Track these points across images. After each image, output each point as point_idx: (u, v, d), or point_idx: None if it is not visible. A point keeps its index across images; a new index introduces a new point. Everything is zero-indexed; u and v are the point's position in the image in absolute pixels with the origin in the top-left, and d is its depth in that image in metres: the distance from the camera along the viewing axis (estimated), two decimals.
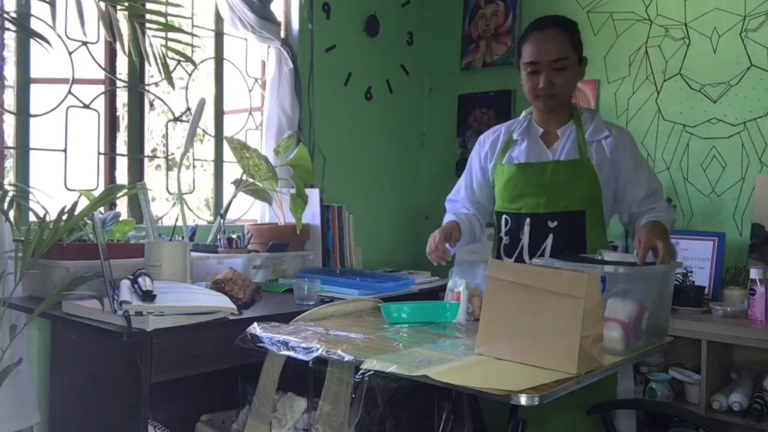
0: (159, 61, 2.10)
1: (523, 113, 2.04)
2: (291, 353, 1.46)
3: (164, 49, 2.12)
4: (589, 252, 1.85)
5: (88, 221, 1.87)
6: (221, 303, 1.78)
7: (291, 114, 2.79)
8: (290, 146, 2.60)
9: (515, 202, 1.95)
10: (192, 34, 2.44)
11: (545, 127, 1.97)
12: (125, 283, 1.68)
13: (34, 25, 2.12)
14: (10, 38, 2.15)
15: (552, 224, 1.89)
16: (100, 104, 2.38)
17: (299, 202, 2.42)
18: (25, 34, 2.05)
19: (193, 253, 2.22)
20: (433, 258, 1.90)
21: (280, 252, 2.50)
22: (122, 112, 2.55)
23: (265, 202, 2.60)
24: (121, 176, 2.48)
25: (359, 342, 1.49)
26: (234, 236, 2.33)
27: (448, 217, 2.10)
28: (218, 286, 1.98)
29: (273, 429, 1.79)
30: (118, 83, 2.45)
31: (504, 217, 1.98)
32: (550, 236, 1.88)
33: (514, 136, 2.00)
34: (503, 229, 1.98)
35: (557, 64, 1.84)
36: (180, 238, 2.15)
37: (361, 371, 1.32)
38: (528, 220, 1.92)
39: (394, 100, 3.44)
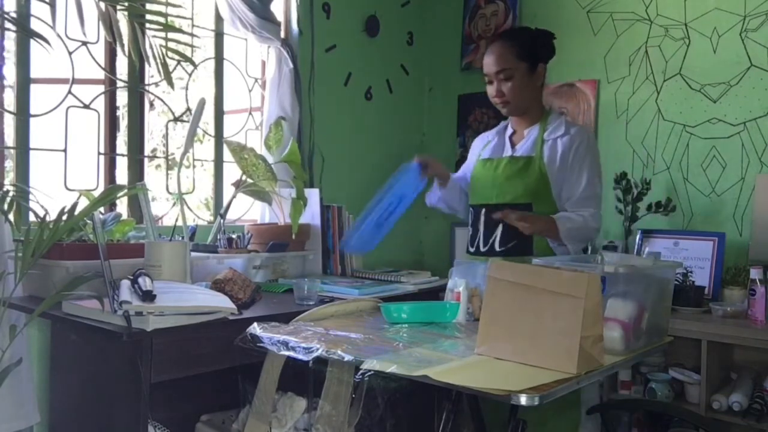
0: (159, 62, 2.10)
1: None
2: (291, 353, 1.46)
3: (164, 50, 2.12)
4: (537, 243, 2.03)
5: (88, 221, 1.87)
6: (221, 303, 1.78)
7: (291, 114, 2.79)
8: (280, 138, 2.58)
9: (475, 195, 2.20)
10: (192, 35, 2.44)
11: (516, 128, 2.20)
12: (125, 283, 1.68)
13: (34, 25, 2.12)
14: (10, 38, 2.14)
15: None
16: (100, 104, 2.38)
17: (298, 205, 2.41)
18: (25, 34, 2.05)
19: (193, 253, 2.22)
20: (421, 157, 2.15)
21: (280, 252, 2.50)
22: (122, 112, 2.55)
23: (264, 202, 2.60)
24: (121, 176, 2.48)
25: (359, 342, 1.49)
26: (234, 236, 2.33)
27: None
28: (218, 286, 1.98)
29: (273, 429, 1.78)
30: (118, 83, 2.46)
31: (471, 209, 2.20)
32: (500, 226, 2.05)
33: (489, 137, 2.25)
34: (470, 221, 2.19)
35: (501, 75, 2.06)
36: (180, 238, 2.15)
37: (361, 371, 1.32)
38: (483, 211, 2.12)
39: (394, 100, 3.44)
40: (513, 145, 2.17)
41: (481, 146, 2.29)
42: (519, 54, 2.05)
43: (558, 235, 1.99)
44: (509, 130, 2.21)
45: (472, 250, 2.17)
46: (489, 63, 2.09)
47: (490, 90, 2.12)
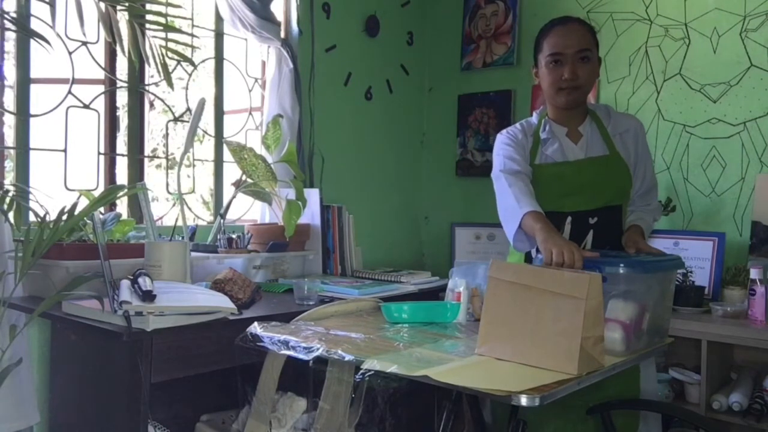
0: (158, 62, 2.10)
1: (534, 115, 2.02)
2: (291, 353, 1.46)
3: (164, 50, 2.12)
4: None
5: (88, 221, 1.87)
6: (221, 303, 1.78)
7: (291, 114, 2.79)
8: (279, 137, 2.58)
9: (556, 200, 1.90)
10: (192, 35, 2.44)
11: (565, 125, 1.96)
12: (125, 283, 1.68)
13: (34, 25, 2.12)
14: (10, 38, 2.14)
15: (592, 220, 1.89)
16: (100, 104, 2.38)
17: (295, 206, 2.40)
18: (25, 34, 2.05)
19: (193, 253, 2.22)
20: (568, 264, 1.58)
21: (280, 252, 2.50)
22: (122, 112, 2.55)
23: (264, 202, 2.60)
24: (121, 176, 2.48)
25: (360, 342, 1.49)
26: (234, 236, 2.33)
27: (525, 195, 1.81)
28: (218, 286, 1.98)
29: (273, 429, 1.78)
30: (118, 83, 2.45)
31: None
32: (591, 232, 1.88)
33: (542, 136, 1.96)
34: None
35: (582, 54, 1.84)
36: (180, 238, 2.15)
37: (361, 371, 1.32)
38: (569, 218, 1.88)
39: (394, 100, 3.44)
40: (574, 144, 1.94)
41: (528, 145, 1.96)
42: (593, 39, 1.89)
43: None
44: (562, 129, 1.95)
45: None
46: (569, 42, 1.83)
47: (558, 72, 1.84)
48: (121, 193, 2.26)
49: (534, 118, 2.01)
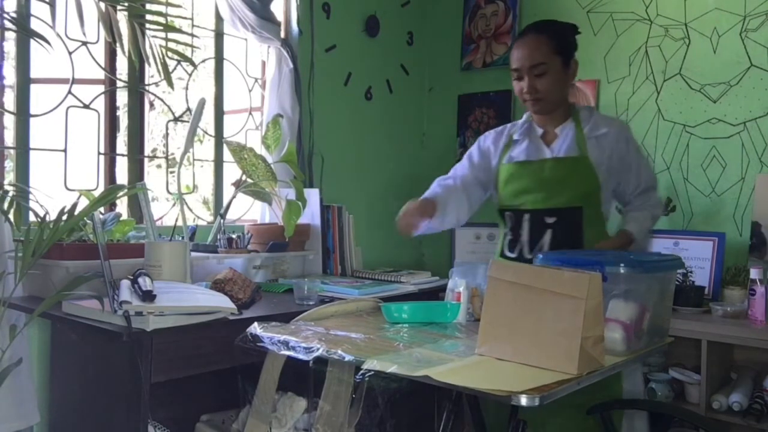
0: (159, 62, 2.10)
1: (525, 115, 2.10)
2: (291, 353, 1.46)
3: (164, 50, 2.12)
4: (586, 248, 1.90)
5: (88, 221, 1.87)
6: (221, 303, 1.78)
7: (291, 114, 2.79)
8: (279, 137, 2.57)
9: (516, 198, 2.00)
10: (192, 35, 2.44)
11: (544, 128, 2.03)
12: (125, 283, 1.68)
13: (34, 25, 2.12)
14: (10, 38, 2.14)
15: (550, 220, 1.94)
16: (100, 104, 2.38)
17: (295, 206, 2.40)
18: (25, 34, 2.04)
19: (193, 253, 2.22)
20: (401, 225, 1.95)
21: (280, 252, 2.50)
22: (122, 112, 2.55)
23: (264, 202, 2.60)
24: (121, 176, 2.48)
25: (360, 342, 1.49)
26: (234, 236, 2.33)
27: (428, 192, 2.10)
28: (218, 286, 1.98)
29: (273, 429, 1.78)
30: (118, 83, 2.45)
31: (506, 213, 2.04)
32: (548, 232, 1.93)
33: (515, 137, 2.06)
34: (507, 226, 2.04)
35: (536, 70, 1.90)
36: (180, 238, 2.15)
37: (361, 371, 1.32)
38: (527, 216, 1.97)
39: (394, 100, 3.44)
40: (547, 146, 2.00)
41: (499, 147, 2.09)
42: (554, 47, 1.90)
43: (634, 245, 1.93)
44: (538, 130, 2.03)
45: (512, 255, 2.01)
46: (521, 57, 1.91)
47: (520, 86, 1.94)
48: (121, 193, 2.26)
49: (523, 118, 2.10)
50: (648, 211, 2.00)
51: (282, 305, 2.03)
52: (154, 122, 2.78)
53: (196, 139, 2.47)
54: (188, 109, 2.62)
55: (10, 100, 2.15)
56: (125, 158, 2.50)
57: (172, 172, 2.66)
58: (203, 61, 2.72)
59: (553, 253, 1.69)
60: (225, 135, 2.77)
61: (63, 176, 2.24)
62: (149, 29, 2.08)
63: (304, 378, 1.79)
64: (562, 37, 1.94)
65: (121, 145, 2.52)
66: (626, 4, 2.97)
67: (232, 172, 2.72)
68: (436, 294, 2.48)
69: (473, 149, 2.16)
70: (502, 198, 2.06)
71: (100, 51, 2.36)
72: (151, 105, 2.67)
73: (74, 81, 2.25)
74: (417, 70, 3.58)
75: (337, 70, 3.13)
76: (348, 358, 1.36)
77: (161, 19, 2.12)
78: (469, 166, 2.13)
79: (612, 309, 1.45)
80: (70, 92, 2.25)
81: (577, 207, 1.92)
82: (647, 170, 2.03)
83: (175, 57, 2.18)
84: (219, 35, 2.75)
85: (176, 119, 2.63)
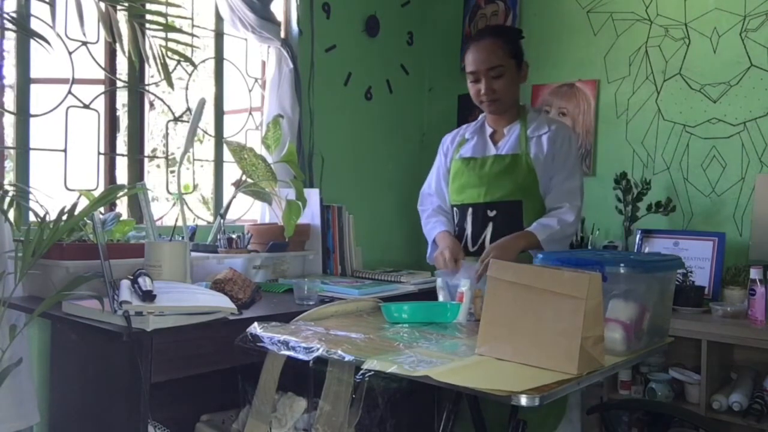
0: (159, 62, 2.10)
1: (481, 116, 2.25)
2: (291, 353, 1.46)
3: (164, 50, 2.12)
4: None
5: (88, 221, 1.87)
6: (221, 303, 1.78)
7: (291, 114, 2.79)
8: (279, 137, 2.57)
9: (460, 193, 2.16)
10: (192, 35, 2.44)
11: (494, 127, 2.18)
12: (125, 283, 1.68)
13: (34, 25, 2.12)
14: (10, 38, 2.14)
15: (491, 213, 2.07)
16: (100, 104, 2.38)
17: (295, 206, 2.40)
18: (25, 34, 2.04)
19: (193, 253, 2.22)
20: (453, 268, 2.00)
21: (280, 252, 2.50)
22: (122, 112, 2.55)
23: (264, 202, 2.59)
24: (121, 176, 2.48)
25: (360, 342, 1.49)
26: (234, 236, 2.33)
27: (436, 224, 2.22)
28: (218, 286, 1.98)
29: (273, 429, 1.78)
30: (118, 83, 2.45)
31: (454, 209, 2.19)
32: (490, 225, 2.06)
33: (466, 136, 2.22)
34: (455, 220, 2.18)
35: (493, 72, 2.03)
36: (180, 238, 2.15)
37: (361, 371, 1.32)
38: (470, 210, 2.11)
39: (394, 100, 3.44)
40: (494, 144, 2.16)
41: (453, 146, 2.26)
42: (509, 51, 2.05)
43: (539, 245, 1.98)
44: (488, 129, 2.19)
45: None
46: (479, 60, 2.04)
47: (477, 88, 2.07)
48: (121, 193, 2.26)
49: (479, 118, 2.25)
50: (555, 218, 2.02)
51: (282, 305, 2.03)
52: (154, 122, 2.78)
53: (196, 139, 2.47)
54: (188, 109, 2.62)
55: (10, 100, 2.15)
56: (125, 158, 2.50)
57: (172, 172, 2.66)
58: (203, 61, 2.72)
59: (554, 253, 1.69)
60: (225, 135, 2.77)
61: (63, 176, 2.24)
62: (149, 29, 2.08)
63: (304, 378, 1.79)
64: (515, 41, 2.08)
65: (121, 145, 2.52)
66: (626, 4, 2.97)
67: (232, 172, 2.72)
68: (436, 294, 2.48)
69: (439, 156, 2.33)
70: (451, 194, 2.21)
71: (100, 51, 2.36)
72: (151, 105, 2.67)
73: (74, 81, 2.25)
74: (417, 70, 3.58)
75: (337, 70, 3.13)
76: (348, 358, 1.36)
77: (161, 19, 2.12)
78: (443, 175, 2.28)
79: (612, 309, 1.45)
80: (70, 92, 2.25)
81: (516, 200, 2.04)
82: (570, 175, 2.07)
83: (175, 57, 2.18)
84: (219, 35, 2.75)
85: (176, 119, 2.63)
